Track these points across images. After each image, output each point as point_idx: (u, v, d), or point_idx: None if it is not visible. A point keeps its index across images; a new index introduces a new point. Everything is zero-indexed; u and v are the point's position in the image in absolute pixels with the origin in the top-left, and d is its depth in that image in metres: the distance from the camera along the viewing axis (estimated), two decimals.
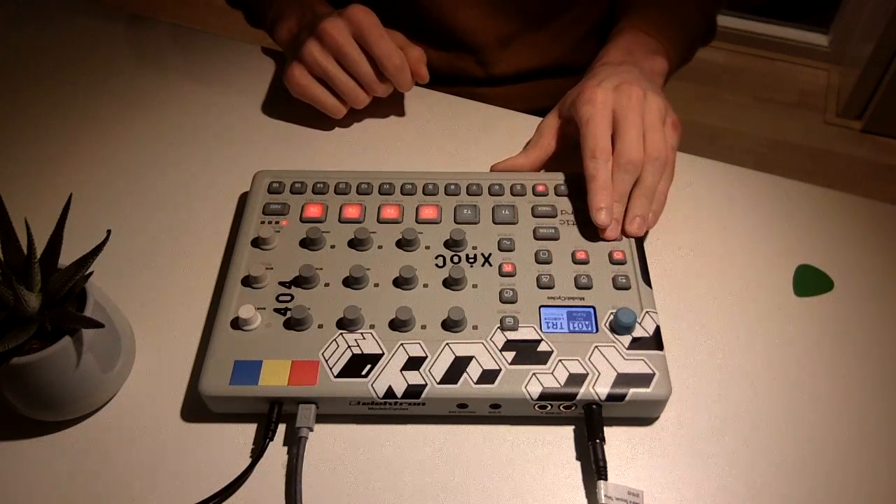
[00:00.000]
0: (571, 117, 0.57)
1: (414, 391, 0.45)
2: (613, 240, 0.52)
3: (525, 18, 0.76)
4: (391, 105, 0.69)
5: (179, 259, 0.56)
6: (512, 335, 0.47)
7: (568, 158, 0.58)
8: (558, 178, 0.57)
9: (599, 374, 0.45)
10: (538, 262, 0.51)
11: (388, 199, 0.55)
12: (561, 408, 0.46)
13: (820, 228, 0.59)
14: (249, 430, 0.47)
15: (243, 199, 0.60)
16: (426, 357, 0.46)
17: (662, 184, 0.55)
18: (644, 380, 0.45)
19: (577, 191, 0.56)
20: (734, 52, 2.08)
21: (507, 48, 0.77)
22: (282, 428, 0.46)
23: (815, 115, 1.92)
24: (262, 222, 0.54)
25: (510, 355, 0.46)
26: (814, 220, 0.59)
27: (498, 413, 0.46)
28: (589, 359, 0.46)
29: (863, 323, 0.53)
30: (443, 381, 0.45)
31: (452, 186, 0.56)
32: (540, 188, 0.56)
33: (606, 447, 0.45)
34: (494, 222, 0.54)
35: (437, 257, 0.52)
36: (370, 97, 0.64)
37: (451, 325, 0.47)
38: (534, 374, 0.45)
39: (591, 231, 0.53)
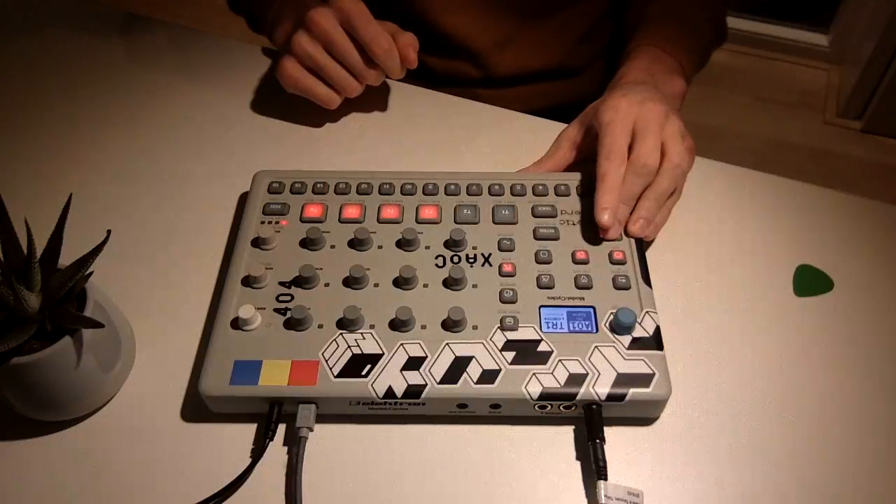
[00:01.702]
0: (593, 125, 0.57)
1: (414, 391, 0.45)
2: (614, 240, 0.52)
3: (520, 20, 0.76)
4: (391, 105, 0.69)
5: (179, 259, 0.56)
6: (512, 335, 0.47)
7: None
8: (558, 178, 0.57)
9: (599, 374, 0.45)
10: (538, 262, 0.51)
11: (388, 199, 0.55)
12: (561, 408, 0.46)
13: (820, 228, 0.59)
14: (249, 430, 0.47)
15: (243, 199, 0.60)
16: (426, 357, 0.46)
17: (670, 199, 0.55)
18: (644, 380, 0.45)
19: (578, 191, 0.56)
20: (734, 52, 2.08)
21: (504, 51, 0.78)
22: (282, 428, 0.46)
23: (815, 115, 1.92)
24: (262, 222, 0.54)
25: (510, 355, 0.46)
26: (814, 220, 0.59)
27: (498, 413, 0.46)
28: (589, 359, 0.46)
29: (863, 323, 0.53)
30: (443, 381, 0.45)
31: (452, 186, 0.56)
32: (540, 188, 0.56)
33: (606, 447, 0.45)
34: (494, 222, 0.54)
35: (437, 257, 0.52)
36: (363, 85, 0.64)
37: (451, 325, 0.47)
38: (534, 374, 0.45)
39: (591, 231, 0.53)
